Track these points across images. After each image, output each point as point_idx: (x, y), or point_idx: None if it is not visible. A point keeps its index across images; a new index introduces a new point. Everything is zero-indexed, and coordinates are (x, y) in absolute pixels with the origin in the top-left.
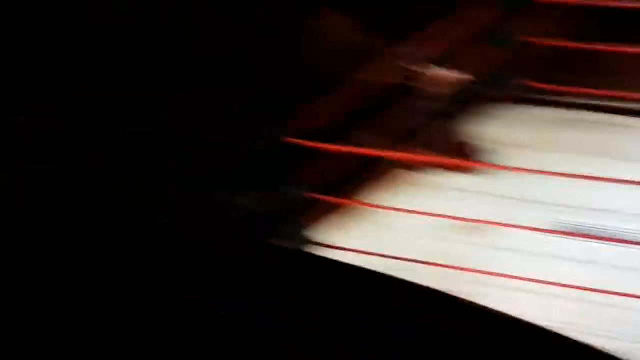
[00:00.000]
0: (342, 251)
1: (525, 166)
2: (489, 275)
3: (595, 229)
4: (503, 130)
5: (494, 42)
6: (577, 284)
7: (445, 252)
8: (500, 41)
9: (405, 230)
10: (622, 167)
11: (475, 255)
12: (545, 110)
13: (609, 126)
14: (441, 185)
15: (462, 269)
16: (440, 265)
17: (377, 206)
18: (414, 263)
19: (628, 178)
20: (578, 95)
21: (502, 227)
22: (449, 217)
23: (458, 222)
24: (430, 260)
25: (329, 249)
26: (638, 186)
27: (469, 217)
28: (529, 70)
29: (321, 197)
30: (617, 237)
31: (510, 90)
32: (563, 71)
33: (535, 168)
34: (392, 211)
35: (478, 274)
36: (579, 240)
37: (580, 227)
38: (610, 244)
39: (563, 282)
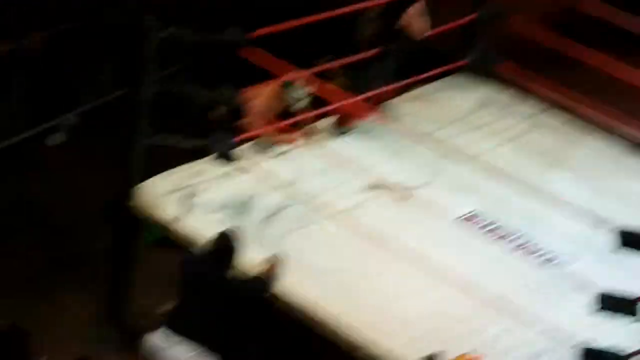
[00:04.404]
0: None
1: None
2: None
3: (515, 232)
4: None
5: None
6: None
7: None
8: None
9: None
10: (561, 179)
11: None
12: (509, 95)
13: (564, 132)
14: None
15: None
16: (353, 223)
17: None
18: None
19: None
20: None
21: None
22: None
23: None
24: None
25: None
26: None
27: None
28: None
29: None
30: (530, 247)
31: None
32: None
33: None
34: None
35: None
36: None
37: (498, 224)
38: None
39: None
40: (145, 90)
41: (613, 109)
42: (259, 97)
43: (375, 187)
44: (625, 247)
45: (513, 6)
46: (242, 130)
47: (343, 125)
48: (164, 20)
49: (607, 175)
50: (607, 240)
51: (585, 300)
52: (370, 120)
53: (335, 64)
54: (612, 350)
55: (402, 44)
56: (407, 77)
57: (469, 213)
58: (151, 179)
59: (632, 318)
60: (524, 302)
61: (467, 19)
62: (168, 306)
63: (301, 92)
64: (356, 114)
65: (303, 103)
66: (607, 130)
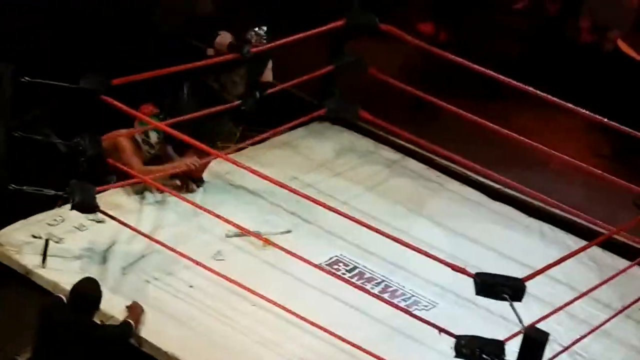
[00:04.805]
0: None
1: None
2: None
3: (377, 278)
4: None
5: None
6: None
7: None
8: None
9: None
10: (421, 225)
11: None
12: (368, 143)
13: (422, 179)
14: None
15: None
16: (214, 272)
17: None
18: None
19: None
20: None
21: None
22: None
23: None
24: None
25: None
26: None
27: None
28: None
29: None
30: (393, 293)
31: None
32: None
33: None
34: None
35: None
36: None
37: (361, 270)
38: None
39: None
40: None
41: (471, 156)
42: (122, 145)
43: (236, 235)
44: (484, 292)
45: (371, 56)
46: (104, 178)
47: (199, 174)
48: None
49: (465, 221)
50: (466, 285)
51: (446, 345)
52: (231, 169)
53: (186, 117)
54: None
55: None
56: (268, 125)
57: (332, 259)
58: (10, 226)
59: None
60: (385, 348)
61: (326, 69)
62: (28, 354)
63: (153, 135)
64: (208, 164)
65: (154, 139)
66: (465, 177)
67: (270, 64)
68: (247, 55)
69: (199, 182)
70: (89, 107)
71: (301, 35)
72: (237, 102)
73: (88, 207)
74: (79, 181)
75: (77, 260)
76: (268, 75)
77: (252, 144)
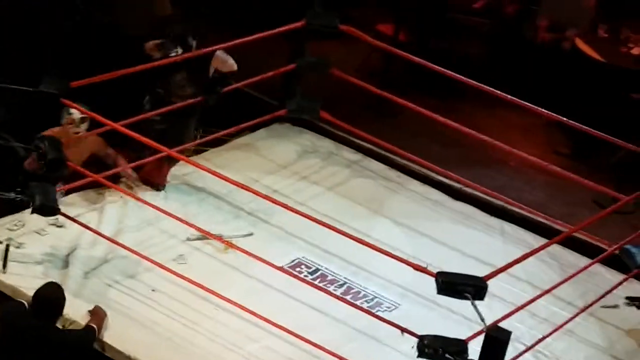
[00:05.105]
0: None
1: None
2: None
3: (339, 279)
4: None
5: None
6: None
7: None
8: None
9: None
10: (382, 225)
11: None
12: (329, 144)
13: (383, 179)
14: None
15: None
16: (176, 274)
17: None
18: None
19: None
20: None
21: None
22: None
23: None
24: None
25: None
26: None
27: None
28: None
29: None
30: (355, 294)
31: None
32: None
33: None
34: None
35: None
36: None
37: (323, 271)
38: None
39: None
40: None
41: (432, 156)
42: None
43: (198, 238)
44: (445, 291)
45: (332, 57)
46: (64, 180)
47: (162, 181)
48: None
49: (426, 221)
50: (428, 284)
51: (409, 345)
52: (192, 171)
53: (150, 114)
54: None
55: (223, 82)
56: (228, 127)
57: (294, 261)
58: None
59: None
60: (348, 350)
61: (285, 68)
62: None
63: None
64: (168, 169)
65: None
66: (425, 177)
67: (219, 53)
68: (168, 52)
69: (161, 187)
70: (50, 110)
71: (260, 35)
72: (199, 99)
73: (49, 209)
74: (39, 183)
75: (38, 265)
76: (229, 65)
77: (212, 146)
